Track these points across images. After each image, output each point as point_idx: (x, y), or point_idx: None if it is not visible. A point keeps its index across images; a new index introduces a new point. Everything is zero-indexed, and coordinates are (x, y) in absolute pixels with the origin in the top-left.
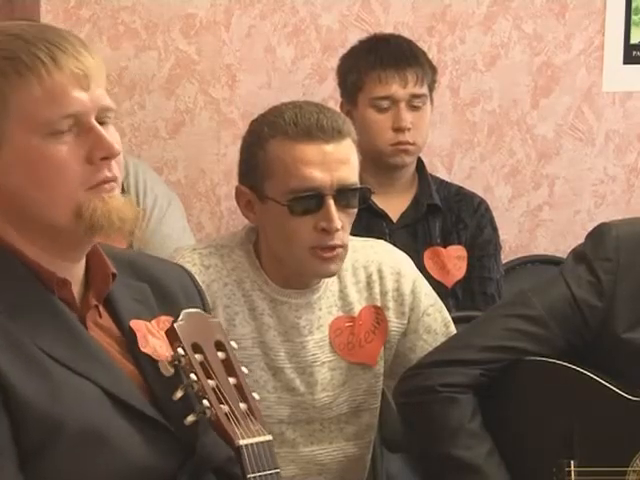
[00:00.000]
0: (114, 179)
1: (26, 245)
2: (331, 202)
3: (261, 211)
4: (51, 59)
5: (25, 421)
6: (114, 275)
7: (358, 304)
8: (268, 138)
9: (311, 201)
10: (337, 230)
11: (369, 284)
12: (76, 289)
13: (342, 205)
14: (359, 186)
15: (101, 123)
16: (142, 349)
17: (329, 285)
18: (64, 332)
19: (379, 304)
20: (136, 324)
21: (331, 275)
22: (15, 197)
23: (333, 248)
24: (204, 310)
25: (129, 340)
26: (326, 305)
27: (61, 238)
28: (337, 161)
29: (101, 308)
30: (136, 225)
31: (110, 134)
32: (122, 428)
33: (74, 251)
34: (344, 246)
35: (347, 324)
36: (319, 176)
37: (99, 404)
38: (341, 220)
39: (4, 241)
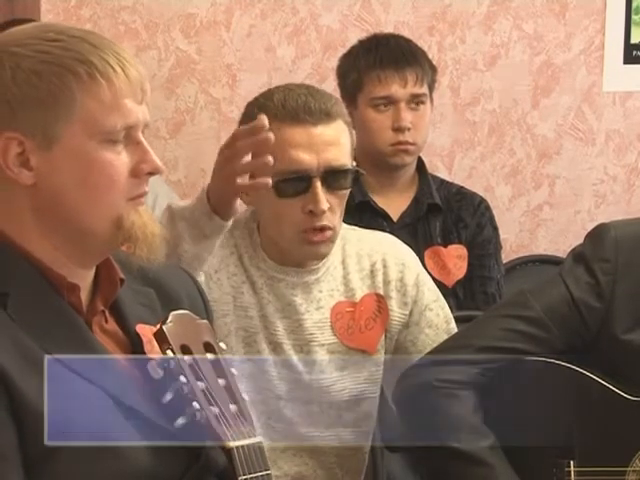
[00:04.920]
0: (146, 193)
1: (44, 247)
2: (318, 184)
3: (253, 194)
4: (120, 68)
5: (32, 426)
6: (122, 280)
7: (360, 291)
8: None
9: (298, 183)
10: (324, 212)
11: (372, 272)
12: (84, 294)
13: (331, 187)
14: (347, 167)
15: None
16: (147, 354)
17: (331, 270)
18: (72, 337)
19: (382, 293)
20: (142, 329)
21: (321, 258)
22: (56, 197)
23: (322, 231)
24: (207, 315)
25: (135, 345)
26: (327, 288)
27: (89, 244)
28: (324, 143)
29: (107, 313)
30: (161, 241)
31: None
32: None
33: (94, 258)
34: (333, 228)
35: (348, 309)
36: (306, 158)
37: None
38: (330, 202)
39: (16, 243)
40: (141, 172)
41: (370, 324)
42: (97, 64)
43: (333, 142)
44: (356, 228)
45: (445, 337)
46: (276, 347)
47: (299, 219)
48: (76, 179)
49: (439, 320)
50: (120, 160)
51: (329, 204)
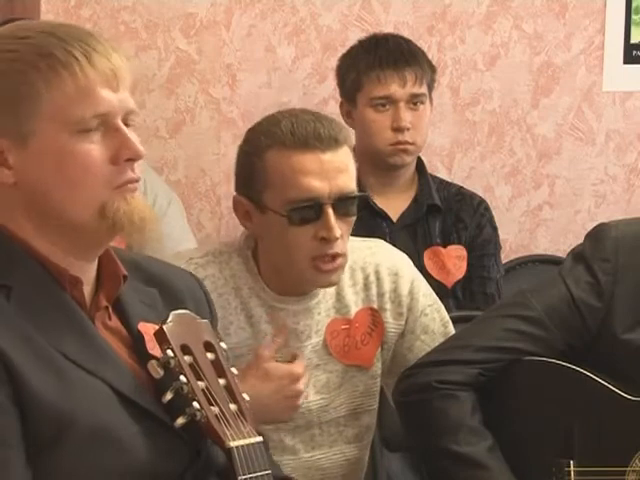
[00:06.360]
0: (137, 180)
1: (41, 242)
2: (330, 211)
3: (260, 221)
4: (85, 58)
5: (36, 416)
6: (125, 277)
7: (354, 306)
8: (265, 148)
9: (310, 211)
10: (337, 239)
11: (366, 285)
12: (87, 289)
13: (341, 213)
14: (357, 194)
15: (126, 125)
16: (150, 351)
17: (326, 289)
18: (76, 330)
19: (376, 305)
20: (144, 327)
21: (332, 285)
22: (38, 193)
23: (333, 259)
24: (211, 315)
25: (137, 342)
26: (325, 309)
27: (80, 237)
28: (335, 170)
29: (110, 309)
30: (154, 227)
31: (133, 137)
32: (130, 427)
33: (90, 250)
34: (343, 255)
35: (343, 326)
36: (317, 185)
37: (109, 402)
38: (340, 228)
39: (18, 237)
40: (120, 159)
41: (366, 339)
42: (59, 56)
43: (342, 168)
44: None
45: (442, 340)
46: None
47: (311, 247)
48: (53, 173)
49: (435, 325)
50: (96, 149)
51: (340, 230)
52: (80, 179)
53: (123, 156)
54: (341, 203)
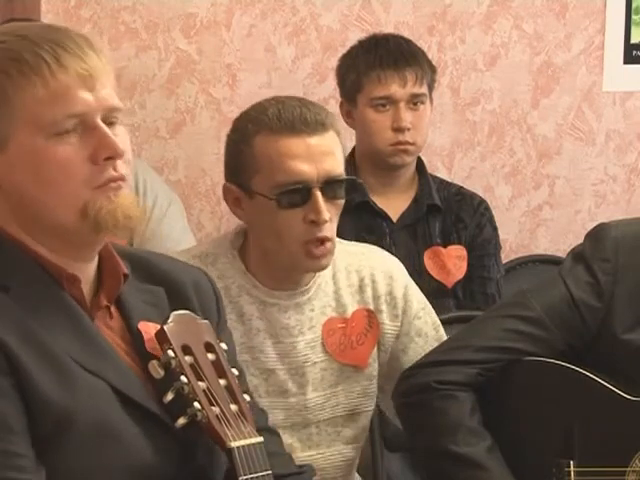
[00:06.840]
0: (120, 178)
1: (35, 243)
2: (318, 194)
3: (250, 208)
4: (55, 59)
5: (39, 412)
6: (126, 275)
7: (351, 307)
8: (253, 134)
9: (298, 194)
10: (326, 221)
11: (361, 287)
12: (87, 288)
13: (329, 197)
14: (345, 177)
15: (110, 123)
16: (149, 351)
17: (322, 286)
18: (75, 329)
19: (372, 307)
20: (145, 326)
21: (322, 269)
22: (21, 197)
23: (322, 243)
24: (218, 312)
25: (137, 342)
26: (319, 305)
27: (68, 238)
28: (321, 153)
29: (112, 309)
30: (141, 223)
31: (117, 134)
32: (130, 426)
33: (82, 250)
34: (332, 238)
35: (340, 325)
36: (305, 169)
37: (109, 401)
38: (329, 212)
39: (15, 238)
40: (99, 158)
41: (361, 339)
42: (29, 60)
43: (329, 152)
44: (341, 241)
45: (435, 344)
46: (269, 375)
47: (301, 230)
48: (32, 176)
49: (428, 328)
50: (73, 150)
51: (329, 213)
52: (58, 181)
53: (102, 155)
54: (329, 186)
